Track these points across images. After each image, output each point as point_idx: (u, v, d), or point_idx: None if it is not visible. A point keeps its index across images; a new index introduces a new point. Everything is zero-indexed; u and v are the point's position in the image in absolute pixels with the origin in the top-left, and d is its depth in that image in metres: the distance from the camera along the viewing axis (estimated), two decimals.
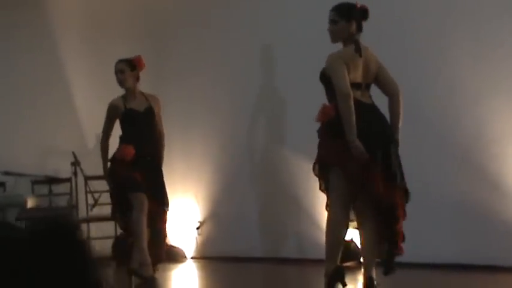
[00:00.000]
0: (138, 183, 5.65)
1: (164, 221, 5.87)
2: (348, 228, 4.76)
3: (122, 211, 5.80)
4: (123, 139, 5.81)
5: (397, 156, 4.65)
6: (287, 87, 7.10)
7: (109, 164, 5.84)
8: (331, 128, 4.63)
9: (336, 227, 4.67)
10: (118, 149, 5.77)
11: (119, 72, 5.84)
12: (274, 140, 7.33)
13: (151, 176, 5.76)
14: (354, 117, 4.47)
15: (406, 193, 4.67)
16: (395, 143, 4.69)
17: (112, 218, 6.24)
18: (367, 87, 4.71)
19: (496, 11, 5.91)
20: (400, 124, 4.73)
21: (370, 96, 4.73)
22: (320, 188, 4.82)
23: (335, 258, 4.68)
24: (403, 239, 4.63)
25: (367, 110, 4.60)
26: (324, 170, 4.71)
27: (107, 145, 5.89)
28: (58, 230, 1.33)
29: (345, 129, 4.48)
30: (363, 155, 4.47)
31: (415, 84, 5.97)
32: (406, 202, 4.67)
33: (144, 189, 5.66)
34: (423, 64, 6.18)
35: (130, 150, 5.70)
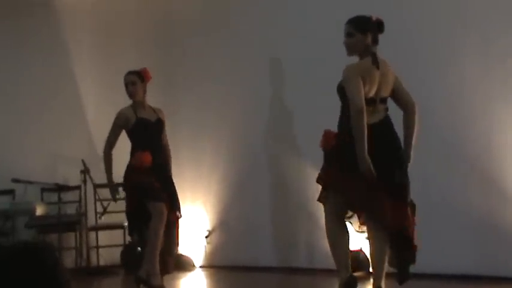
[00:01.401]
0: (158, 192, 5.63)
1: (177, 229, 5.87)
2: (348, 236, 4.76)
3: (137, 219, 5.76)
4: (136, 148, 5.79)
5: (406, 174, 4.63)
6: (297, 96, 7.08)
7: (125, 173, 5.79)
8: (331, 156, 4.65)
9: (336, 238, 4.71)
10: (134, 157, 5.74)
11: (130, 84, 5.84)
12: (284, 149, 7.31)
13: (166, 185, 5.76)
14: (365, 133, 4.46)
15: (413, 208, 4.65)
16: (406, 159, 4.67)
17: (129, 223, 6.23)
18: (382, 101, 4.68)
19: (505, 20, 5.88)
20: (415, 138, 4.71)
21: (385, 109, 4.69)
22: (318, 199, 4.84)
23: (346, 268, 4.67)
24: (416, 249, 4.62)
25: (373, 131, 4.57)
26: (326, 196, 4.75)
27: (111, 154, 5.88)
28: (28, 250, 1.35)
29: (356, 145, 4.47)
30: (371, 172, 4.45)
31: (423, 94, 5.93)
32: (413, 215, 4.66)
33: (163, 199, 5.64)
34: (431, 74, 6.15)
35: (148, 157, 5.70)
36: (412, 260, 4.63)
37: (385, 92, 4.68)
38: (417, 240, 4.63)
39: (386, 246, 4.61)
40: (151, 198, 5.61)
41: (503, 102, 5.84)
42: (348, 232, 4.77)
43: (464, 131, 5.98)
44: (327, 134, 4.73)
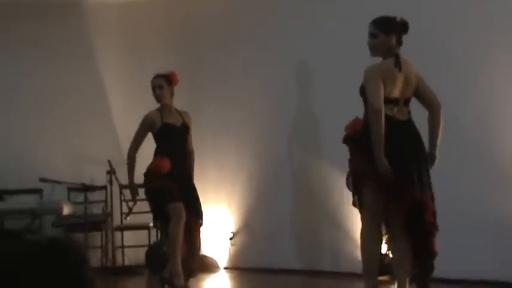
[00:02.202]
0: (175, 193, 5.67)
1: (199, 234, 5.89)
2: (381, 243, 4.72)
3: (160, 220, 5.86)
4: (158, 152, 5.83)
5: (429, 177, 4.60)
6: (322, 98, 7.08)
7: (144, 178, 5.85)
8: (359, 142, 4.61)
9: (370, 243, 4.65)
10: (153, 162, 5.80)
11: (157, 87, 5.85)
12: (309, 151, 7.30)
13: (186, 189, 5.80)
14: (383, 134, 4.42)
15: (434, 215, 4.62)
16: (431, 160, 4.64)
17: (154, 225, 6.29)
18: (406, 102, 4.66)
19: None
20: (440, 138, 4.67)
21: (409, 112, 4.67)
22: (353, 203, 4.78)
23: (373, 275, 4.64)
24: (435, 256, 4.59)
25: (400, 127, 4.55)
26: (356, 184, 4.68)
27: (135, 156, 5.91)
28: (57, 246, 1.34)
29: (372, 145, 4.44)
30: (388, 172, 4.42)
31: (452, 99, 5.89)
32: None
33: (182, 199, 5.68)
34: (460, 79, 6.11)
35: (166, 163, 5.73)
36: (431, 268, 4.59)
37: (409, 94, 4.66)
38: (438, 246, 4.60)
39: (409, 255, 4.58)
40: (168, 200, 5.64)
41: None
42: (382, 241, 4.74)
43: (494, 140, 5.93)
44: (355, 120, 4.68)
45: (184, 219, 5.65)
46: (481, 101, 6.04)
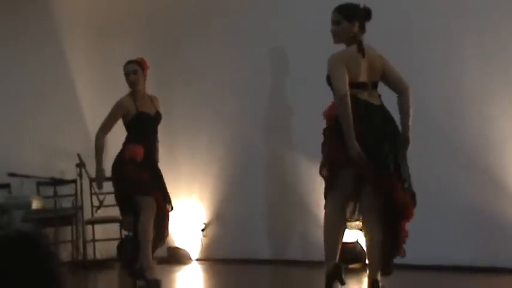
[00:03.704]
0: (148, 186, 5.64)
1: (168, 220, 5.90)
2: (345, 228, 4.75)
3: (126, 212, 5.80)
4: (131, 140, 5.79)
5: (406, 162, 4.63)
6: (292, 88, 7.09)
7: (114, 165, 5.82)
8: (332, 129, 4.62)
9: (332, 227, 4.67)
10: (127, 149, 5.74)
11: (131, 73, 5.80)
12: (280, 142, 7.31)
13: (156, 177, 5.78)
14: (351, 118, 4.43)
15: (413, 197, 4.65)
16: (406, 144, 4.67)
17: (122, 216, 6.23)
18: (374, 85, 4.68)
19: (503, 12, 5.89)
20: (411, 119, 4.70)
21: (379, 96, 4.69)
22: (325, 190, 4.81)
23: (334, 257, 4.66)
24: (405, 241, 4.62)
25: (376, 112, 4.58)
26: (332, 173, 4.68)
27: (103, 142, 5.82)
28: (25, 239, 1.34)
29: (344, 131, 4.46)
30: (361, 157, 4.44)
31: (421, 86, 5.94)
32: (414, 206, 4.65)
33: (152, 192, 5.65)
34: (429, 65, 6.16)
35: (140, 151, 5.70)
36: (398, 250, 4.62)
37: (375, 78, 4.68)
38: (407, 233, 4.63)
39: (381, 239, 4.61)
40: (140, 191, 5.60)
41: (501, 96, 5.86)
42: (345, 225, 4.76)
43: (462, 125, 5.99)
44: (333, 105, 4.69)
45: (154, 213, 5.63)
46: (449, 90, 6.10)
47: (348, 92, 4.46)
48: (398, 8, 6.18)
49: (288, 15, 7.06)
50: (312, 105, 6.57)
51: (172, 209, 5.93)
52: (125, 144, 5.81)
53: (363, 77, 4.60)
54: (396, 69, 4.75)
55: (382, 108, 4.65)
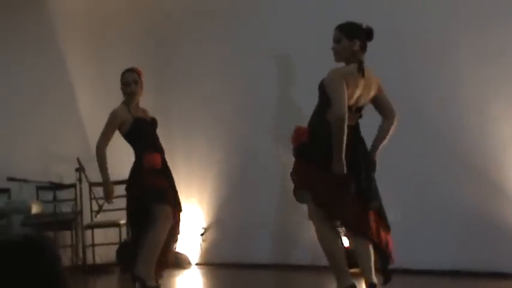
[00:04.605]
0: (168, 194, 5.47)
1: (179, 230, 5.75)
2: (341, 239, 4.75)
3: (138, 222, 5.59)
4: (141, 149, 5.58)
5: (373, 179, 4.64)
6: (291, 91, 7.09)
7: (133, 176, 5.61)
8: (303, 152, 4.64)
9: (330, 244, 4.66)
10: (146, 158, 5.57)
11: (133, 82, 5.61)
12: (280, 146, 7.31)
13: (172, 184, 5.66)
14: (344, 139, 4.46)
15: (380, 214, 4.66)
16: (373, 165, 4.69)
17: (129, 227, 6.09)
18: (358, 110, 4.68)
19: (498, 17, 5.89)
20: (382, 145, 4.72)
21: (359, 117, 4.70)
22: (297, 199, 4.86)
23: (346, 275, 4.63)
24: (389, 249, 4.64)
25: (349, 132, 4.57)
26: (300, 194, 4.73)
27: (105, 153, 5.67)
28: (31, 243, 1.34)
29: (334, 149, 4.47)
30: (342, 174, 4.46)
31: (418, 91, 5.95)
32: (385, 222, 4.67)
33: (171, 202, 5.51)
34: (426, 71, 6.15)
35: (158, 159, 5.57)
36: (387, 261, 4.64)
37: (365, 101, 4.69)
38: (392, 242, 4.66)
39: (369, 245, 4.63)
40: (160, 200, 5.42)
41: (497, 99, 5.85)
42: (340, 236, 4.76)
43: (458, 129, 5.99)
44: (298, 130, 4.71)
45: (170, 223, 5.51)
46: (445, 93, 6.10)
47: (346, 115, 4.46)
48: (392, 15, 6.19)
49: (286, 19, 7.07)
50: (311, 107, 6.58)
51: (181, 210, 5.79)
52: (138, 155, 5.59)
53: (352, 101, 4.61)
54: (387, 95, 4.77)
55: (354, 128, 4.64)
